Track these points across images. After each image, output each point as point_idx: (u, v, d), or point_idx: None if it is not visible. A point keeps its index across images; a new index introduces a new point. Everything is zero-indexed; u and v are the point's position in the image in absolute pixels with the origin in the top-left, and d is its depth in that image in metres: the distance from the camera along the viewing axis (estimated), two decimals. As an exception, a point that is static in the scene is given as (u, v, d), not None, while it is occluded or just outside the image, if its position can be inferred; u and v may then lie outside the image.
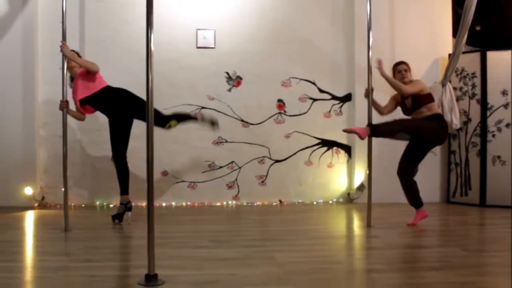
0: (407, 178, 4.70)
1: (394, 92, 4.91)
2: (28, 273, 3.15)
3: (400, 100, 4.86)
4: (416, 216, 4.72)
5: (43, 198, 5.86)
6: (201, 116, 5.13)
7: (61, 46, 4.50)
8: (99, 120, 5.55)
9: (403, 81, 4.74)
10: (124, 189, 4.82)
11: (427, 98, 4.68)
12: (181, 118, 4.97)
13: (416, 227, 4.63)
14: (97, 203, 6.00)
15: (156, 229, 2.96)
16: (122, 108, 4.78)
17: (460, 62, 5.93)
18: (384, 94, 5.41)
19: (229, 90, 6.21)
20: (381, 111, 4.93)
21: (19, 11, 5.78)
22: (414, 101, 4.69)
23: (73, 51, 4.72)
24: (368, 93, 4.74)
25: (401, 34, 6.31)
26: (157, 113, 4.60)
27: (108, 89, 4.80)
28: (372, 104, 4.79)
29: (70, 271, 3.13)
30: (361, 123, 5.72)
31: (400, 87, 4.64)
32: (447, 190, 6.31)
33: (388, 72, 4.78)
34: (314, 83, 6.33)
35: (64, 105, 4.55)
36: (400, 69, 4.77)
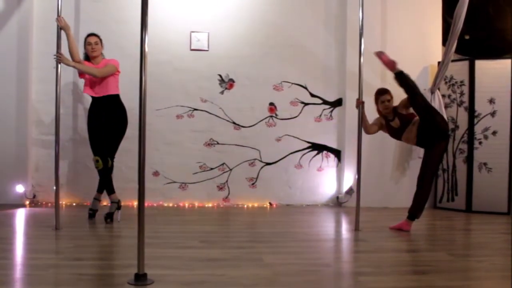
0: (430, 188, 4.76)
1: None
2: (18, 270, 3.16)
3: (384, 123, 4.87)
4: (401, 223, 4.76)
5: (34, 196, 5.86)
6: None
7: (57, 59, 4.52)
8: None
9: (386, 111, 4.77)
10: (113, 188, 4.89)
11: (413, 114, 4.75)
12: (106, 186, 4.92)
13: (402, 231, 4.68)
14: (88, 202, 5.99)
15: (147, 229, 3.00)
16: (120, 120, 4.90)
17: (449, 70, 6.03)
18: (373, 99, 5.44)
19: (222, 92, 6.26)
20: (367, 129, 4.91)
21: (14, 10, 5.79)
22: (402, 120, 4.74)
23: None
24: (359, 104, 4.79)
25: (392, 41, 6.39)
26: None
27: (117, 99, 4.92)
28: (363, 119, 4.83)
29: (60, 269, 3.15)
30: (352, 128, 5.79)
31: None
32: (434, 195, 6.39)
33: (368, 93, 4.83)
34: (305, 88, 6.39)
35: (59, 56, 4.52)
36: (384, 99, 4.77)
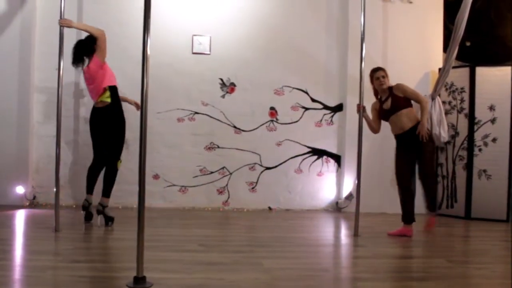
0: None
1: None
2: (17, 271, 3.16)
3: (378, 107, 4.87)
4: (401, 230, 4.77)
5: (34, 198, 5.86)
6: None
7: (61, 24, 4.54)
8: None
9: (381, 87, 4.78)
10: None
11: (407, 101, 4.75)
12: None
13: (402, 237, 4.68)
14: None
15: (146, 232, 3.00)
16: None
17: (450, 77, 6.04)
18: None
19: (223, 96, 6.27)
20: (374, 128, 4.91)
21: (17, 11, 5.80)
22: (393, 102, 4.73)
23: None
24: (360, 108, 4.80)
25: (393, 47, 6.41)
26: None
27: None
28: (367, 122, 4.84)
29: (59, 271, 3.15)
30: (352, 133, 5.80)
31: (420, 100, 4.73)
32: (434, 202, 6.40)
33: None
34: (306, 92, 6.40)
35: (62, 22, 4.53)
36: (378, 75, 4.79)
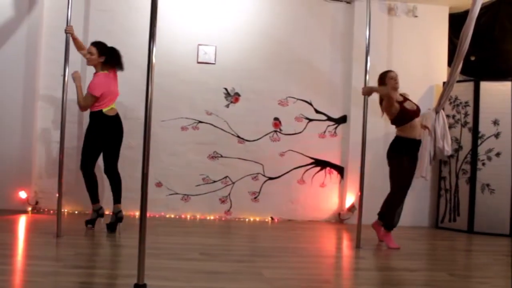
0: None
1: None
2: (18, 276, 3.17)
3: (399, 107, 4.76)
4: (389, 236, 4.82)
5: (36, 203, 5.87)
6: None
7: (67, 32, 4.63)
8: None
9: (395, 86, 4.79)
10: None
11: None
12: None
13: (403, 250, 4.67)
14: (91, 210, 6.00)
15: (148, 239, 2.99)
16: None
17: (454, 91, 6.01)
18: (378, 117, 5.45)
19: (227, 106, 6.29)
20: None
21: (24, 17, 5.85)
22: (417, 106, 4.87)
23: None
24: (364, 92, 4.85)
25: (398, 60, 6.42)
26: None
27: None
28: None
29: (59, 277, 3.15)
30: (356, 145, 5.80)
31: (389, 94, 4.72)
32: (436, 215, 6.37)
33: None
34: (310, 104, 6.42)
35: (69, 29, 4.63)
36: (393, 75, 4.82)
